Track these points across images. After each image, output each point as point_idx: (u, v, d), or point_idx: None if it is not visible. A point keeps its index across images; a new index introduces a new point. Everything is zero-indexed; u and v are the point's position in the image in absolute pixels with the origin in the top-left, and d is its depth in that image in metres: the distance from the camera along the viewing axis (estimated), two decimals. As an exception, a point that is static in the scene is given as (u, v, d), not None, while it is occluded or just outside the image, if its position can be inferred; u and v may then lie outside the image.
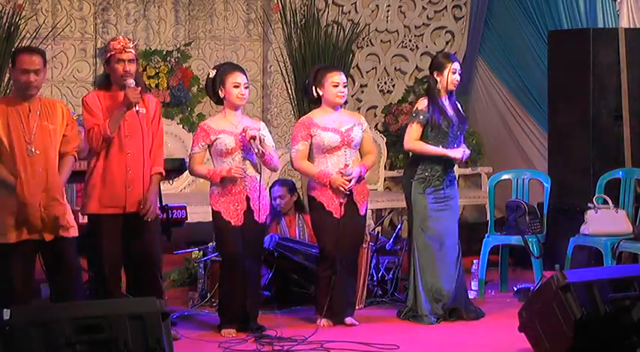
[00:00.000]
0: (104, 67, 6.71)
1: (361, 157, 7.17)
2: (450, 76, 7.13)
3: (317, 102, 7.09)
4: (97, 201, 6.49)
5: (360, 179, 7.01)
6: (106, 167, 6.48)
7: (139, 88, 6.49)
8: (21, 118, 6.13)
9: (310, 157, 7.02)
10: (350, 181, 6.93)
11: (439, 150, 7.11)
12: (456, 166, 7.51)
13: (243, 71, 6.86)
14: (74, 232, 6.30)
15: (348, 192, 6.95)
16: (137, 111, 6.44)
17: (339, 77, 7.00)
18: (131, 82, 6.45)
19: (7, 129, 6.09)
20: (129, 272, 6.67)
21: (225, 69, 6.85)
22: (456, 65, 7.18)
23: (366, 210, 7.17)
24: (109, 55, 6.53)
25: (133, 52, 6.53)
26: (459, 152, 7.13)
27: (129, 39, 6.62)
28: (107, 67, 6.59)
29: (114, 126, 6.42)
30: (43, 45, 9.29)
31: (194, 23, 10.03)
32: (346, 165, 6.97)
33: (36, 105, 6.21)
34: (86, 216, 6.67)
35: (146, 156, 6.55)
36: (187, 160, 7.06)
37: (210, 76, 6.85)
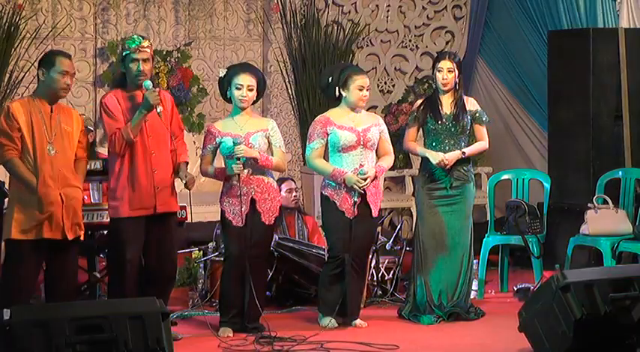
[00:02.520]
0: (119, 65, 6.71)
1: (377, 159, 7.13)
2: (437, 74, 7.16)
3: (336, 101, 7.08)
4: (128, 204, 6.48)
5: (374, 179, 6.98)
6: (132, 170, 6.47)
7: (158, 89, 6.49)
8: (43, 118, 6.20)
9: (325, 156, 7.01)
10: (365, 180, 6.91)
11: (421, 151, 7.16)
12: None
13: (251, 73, 6.82)
14: (83, 235, 6.39)
15: (362, 192, 6.91)
16: (158, 113, 6.45)
17: (364, 81, 7.00)
18: (149, 83, 6.45)
19: (30, 128, 6.16)
20: (145, 271, 6.66)
21: (234, 70, 6.85)
22: (444, 63, 7.14)
23: (379, 213, 7.16)
24: (123, 53, 6.53)
25: (148, 51, 6.52)
26: (437, 157, 7.08)
27: (144, 37, 6.61)
28: (122, 65, 6.59)
29: (136, 130, 6.41)
30: (43, 45, 9.32)
31: (194, 23, 10.03)
32: (361, 165, 6.94)
33: (56, 108, 6.28)
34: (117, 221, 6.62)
35: (167, 153, 6.57)
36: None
37: (220, 75, 6.87)
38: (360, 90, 6.98)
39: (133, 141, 6.42)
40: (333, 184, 6.94)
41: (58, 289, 6.29)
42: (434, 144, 7.18)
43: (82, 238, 6.37)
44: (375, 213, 7.03)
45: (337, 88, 6.99)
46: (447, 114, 7.16)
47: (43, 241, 6.18)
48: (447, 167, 7.10)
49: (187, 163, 6.74)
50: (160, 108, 6.45)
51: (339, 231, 6.91)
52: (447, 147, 7.17)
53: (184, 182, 6.56)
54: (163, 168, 6.55)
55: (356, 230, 6.90)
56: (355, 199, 6.91)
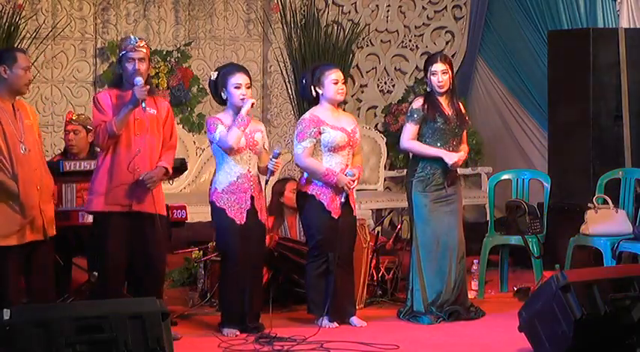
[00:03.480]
0: (117, 67, 6.71)
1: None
2: (431, 78, 7.14)
3: (315, 101, 7.08)
4: (104, 198, 6.49)
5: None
6: (113, 164, 6.48)
7: (147, 86, 6.48)
8: (10, 118, 6.13)
9: (313, 155, 7.01)
10: (354, 181, 6.94)
11: (433, 151, 7.10)
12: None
13: (244, 71, 6.85)
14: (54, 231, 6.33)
15: (347, 193, 6.95)
16: (144, 109, 6.44)
17: (337, 74, 7.00)
18: (139, 79, 6.45)
19: (0, 130, 6.09)
20: (132, 271, 6.66)
21: (227, 70, 6.85)
22: (438, 66, 7.09)
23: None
24: (120, 53, 6.55)
25: (144, 51, 6.53)
26: (453, 157, 7.06)
27: (140, 38, 6.63)
28: (119, 66, 6.61)
29: (121, 124, 6.41)
30: (43, 45, 9.32)
31: (194, 23, 10.03)
32: (346, 165, 6.98)
33: (16, 104, 6.23)
34: (91, 214, 6.67)
35: (154, 156, 6.55)
36: (186, 159, 7.05)
37: (212, 78, 6.86)
38: (335, 83, 6.97)
39: (116, 134, 6.42)
40: (320, 183, 6.95)
41: (39, 287, 6.23)
42: (439, 144, 7.14)
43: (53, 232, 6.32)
44: (355, 212, 7.10)
45: (313, 87, 6.99)
46: (451, 115, 7.16)
47: (26, 244, 6.12)
48: (457, 167, 7.12)
49: (167, 171, 6.64)
50: (147, 107, 6.44)
51: (326, 231, 6.94)
52: (451, 148, 7.16)
53: (141, 178, 6.47)
54: (146, 168, 6.52)
55: (343, 229, 6.94)
56: (342, 200, 6.94)
